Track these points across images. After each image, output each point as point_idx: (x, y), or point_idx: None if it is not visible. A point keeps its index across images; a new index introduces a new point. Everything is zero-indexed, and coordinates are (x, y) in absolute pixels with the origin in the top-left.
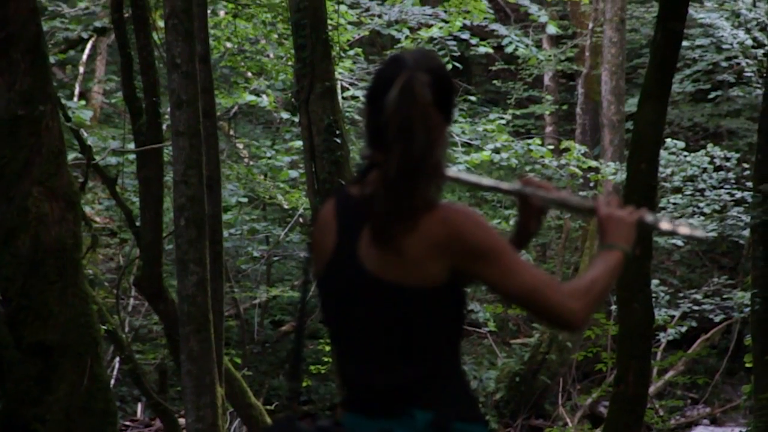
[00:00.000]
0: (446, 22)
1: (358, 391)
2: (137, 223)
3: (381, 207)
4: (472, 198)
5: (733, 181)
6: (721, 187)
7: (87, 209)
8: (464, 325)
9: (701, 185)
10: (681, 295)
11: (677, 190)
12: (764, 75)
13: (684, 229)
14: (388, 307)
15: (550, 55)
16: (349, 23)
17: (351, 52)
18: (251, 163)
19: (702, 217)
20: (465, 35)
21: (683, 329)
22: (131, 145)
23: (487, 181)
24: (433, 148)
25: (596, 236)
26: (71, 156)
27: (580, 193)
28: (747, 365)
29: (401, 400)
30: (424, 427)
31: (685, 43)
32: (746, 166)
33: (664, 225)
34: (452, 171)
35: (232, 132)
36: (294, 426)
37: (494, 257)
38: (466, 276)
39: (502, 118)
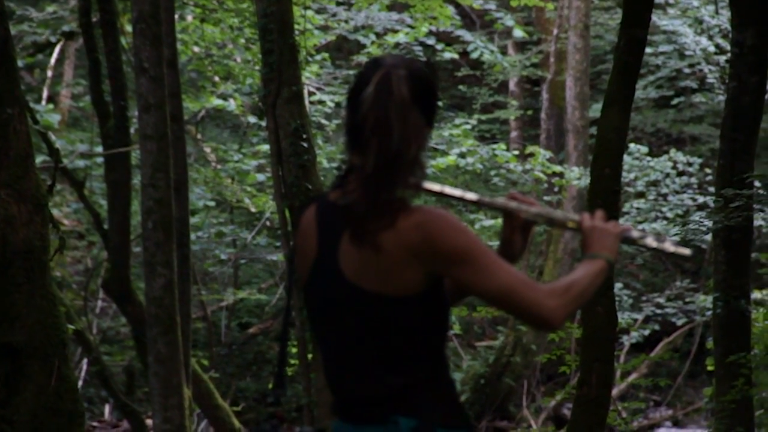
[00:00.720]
0: (412, 27)
1: (343, 398)
2: (105, 226)
3: (359, 203)
4: (437, 202)
5: (695, 186)
6: (684, 192)
7: (55, 212)
8: (448, 330)
9: (664, 190)
10: (644, 298)
11: (640, 195)
12: (726, 82)
13: (669, 246)
14: (368, 316)
15: (515, 61)
16: (316, 28)
17: (318, 57)
18: (218, 166)
19: (665, 222)
20: (431, 41)
21: (646, 332)
22: (99, 149)
23: (470, 195)
24: (409, 143)
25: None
26: (39, 159)
27: (545, 197)
28: (709, 368)
29: (385, 408)
30: None
31: (648, 50)
32: (708, 171)
33: (650, 241)
34: (436, 185)
35: (199, 136)
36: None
37: (470, 259)
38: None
39: (468, 123)
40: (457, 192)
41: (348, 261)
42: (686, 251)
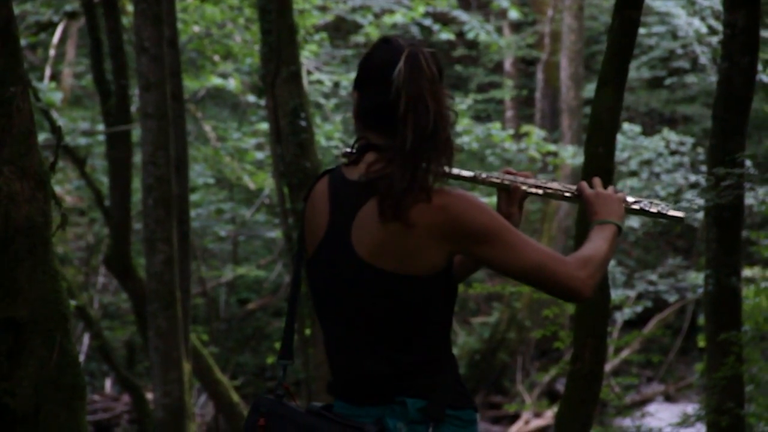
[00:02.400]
0: (409, 8)
1: (347, 378)
2: (106, 203)
3: (398, 183)
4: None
5: (687, 165)
6: (676, 171)
7: (57, 189)
8: (453, 310)
9: (657, 169)
10: (637, 275)
11: (633, 174)
12: (718, 62)
13: (664, 209)
14: (381, 295)
15: (510, 42)
16: (315, 8)
17: (316, 37)
18: (218, 145)
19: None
20: (427, 21)
21: (639, 309)
22: (101, 127)
23: (466, 172)
24: (444, 119)
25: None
26: (42, 137)
27: (539, 176)
28: (700, 345)
29: (392, 388)
30: (415, 414)
31: (641, 31)
32: (700, 150)
33: (644, 205)
34: None
35: (199, 114)
36: (282, 405)
37: (497, 238)
38: (467, 262)
39: (463, 103)
40: (453, 170)
41: (362, 239)
42: (680, 213)
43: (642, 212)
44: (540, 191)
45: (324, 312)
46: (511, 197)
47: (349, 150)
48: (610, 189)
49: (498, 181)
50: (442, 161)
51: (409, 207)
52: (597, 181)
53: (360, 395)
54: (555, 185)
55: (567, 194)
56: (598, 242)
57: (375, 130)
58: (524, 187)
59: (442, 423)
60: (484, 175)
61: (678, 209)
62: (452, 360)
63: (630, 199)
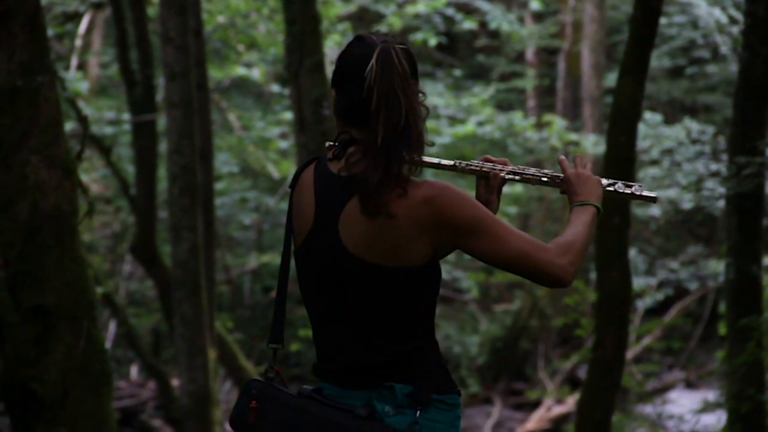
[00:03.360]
0: None
1: (337, 364)
2: (132, 191)
3: (370, 175)
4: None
5: (708, 153)
6: (697, 160)
7: (84, 177)
8: (437, 298)
9: (678, 158)
10: (658, 263)
11: (655, 163)
12: (739, 52)
13: (636, 191)
14: (369, 287)
15: (532, 31)
16: None
17: (339, 27)
18: (243, 134)
19: (679, 189)
20: (450, 11)
21: (660, 297)
22: (127, 116)
23: (446, 161)
24: (416, 114)
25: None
26: (69, 126)
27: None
28: (721, 332)
29: (380, 374)
30: (403, 399)
31: (662, 21)
32: (721, 139)
33: (619, 188)
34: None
35: (224, 104)
36: (273, 388)
37: (481, 229)
38: (450, 249)
39: (486, 92)
40: (433, 160)
41: (350, 233)
42: (653, 194)
43: (617, 194)
44: (517, 177)
45: (312, 302)
46: (489, 184)
47: (332, 143)
48: (588, 166)
49: (477, 169)
50: (414, 156)
51: (386, 201)
52: (579, 159)
53: (350, 381)
54: (533, 171)
55: (544, 179)
56: (578, 227)
57: (355, 126)
58: (503, 174)
59: (428, 407)
60: (463, 164)
61: (651, 190)
62: (435, 345)
63: (604, 181)
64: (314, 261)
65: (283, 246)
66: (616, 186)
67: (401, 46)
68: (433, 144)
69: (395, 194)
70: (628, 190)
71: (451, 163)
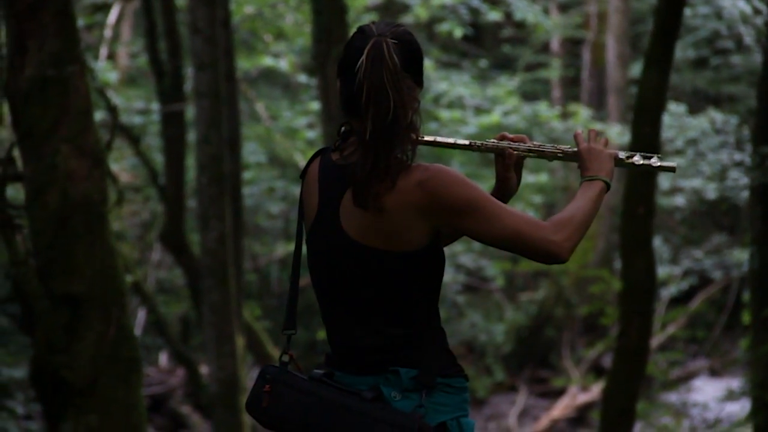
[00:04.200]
0: None
1: (344, 350)
2: (161, 181)
3: (360, 168)
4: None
5: (732, 144)
6: (722, 150)
7: (113, 167)
8: (441, 280)
9: (702, 148)
10: (682, 253)
11: (679, 153)
12: (763, 42)
13: (654, 162)
14: (371, 271)
15: (557, 22)
16: None
17: (366, 17)
18: (270, 124)
19: (703, 179)
20: (476, 2)
21: (684, 286)
22: (156, 106)
23: (462, 140)
24: (405, 108)
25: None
26: (98, 116)
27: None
28: (745, 321)
29: (385, 358)
30: (409, 383)
31: (687, 12)
32: (746, 130)
33: (637, 161)
34: (428, 136)
35: (252, 94)
36: (286, 373)
37: (475, 209)
38: (449, 232)
39: (511, 82)
40: (449, 139)
41: (350, 219)
42: (672, 164)
43: (635, 166)
44: (533, 154)
45: (319, 289)
46: (506, 162)
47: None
48: (602, 141)
49: (493, 147)
50: (404, 149)
51: (375, 194)
52: (593, 133)
53: (355, 366)
54: (548, 147)
55: (559, 154)
56: (580, 202)
57: (353, 117)
58: (516, 152)
59: (433, 390)
60: (479, 143)
61: (670, 161)
62: (441, 330)
63: (622, 154)
64: (319, 248)
65: (296, 235)
66: (633, 158)
67: (393, 41)
68: (422, 138)
69: (384, 187)
70: (645, 161)
71: (467, 142)
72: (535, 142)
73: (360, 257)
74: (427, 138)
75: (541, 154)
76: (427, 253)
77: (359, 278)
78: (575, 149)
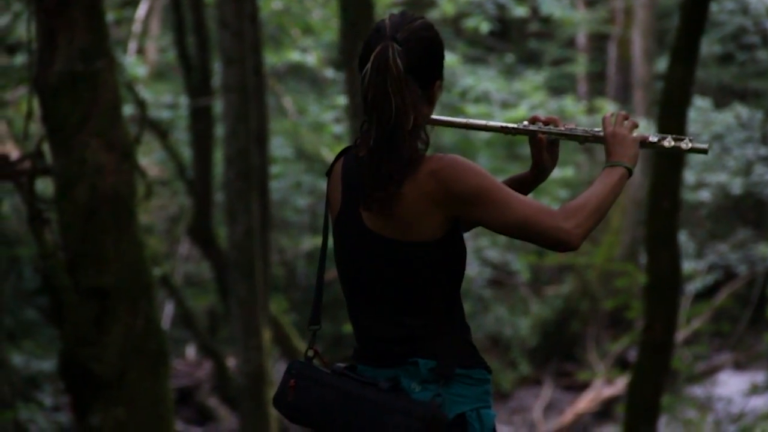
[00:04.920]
0: None
1: (366, 342)
2: (189, 174)
3: (366, 174)
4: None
5: (758, 138)
6: (747, 145)
7: (141, 160)
8: (463, 274)
9: (728, 143)
10: (708, 247)
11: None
12: None
13: (686, 144)
14: (390, 262)
15: (583, 17)
16: None
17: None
18: (298, 118)
19: (728, 174)
20: None
21: (709, 280)
22: (184, 100)
23: (494, 123)
24: (407, 115)
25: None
26: (127, 110)
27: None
28: None
29: (404, 349)
30: (427, 374)
31: (713, 7)
32: None
33: (667, 143)
34: (461, 118)
35: (280, 89)
36: (311, 367)
37: (486, 198)
38: (464, 221)
39: (538, 76)
40: (481, 122)
41: (369, 212)
42: (704, 145)
43: (665, 148)
44: (563, 137)
45: (344, 281)
46: (537, 145)
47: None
48: (628, 124)
49: (522, 130)
50: (411, 151)
51: (378, 200)
52: (620, 118)
53: (376, 359)
54: (579, 130)
55: (589, 137)
56: (597, 187)
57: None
58: (544, 135)
59: (452, 381)
60: (511, 126)
61: (702, 142)
62: (463, 323)
63: (653, 138)
64: (343, 241)
65: (322, 233)
66: (664, 140)
67: (399, 47)
68: (428, 142)
69: (388, 193)
70: (677, 144)
71: (499, 124)
72: (567, 124)
73: (379, 248)
74: (459, 120)
75: (570, 137)
76: (444, 243)
77: (379, 269)
78: (601, 133)
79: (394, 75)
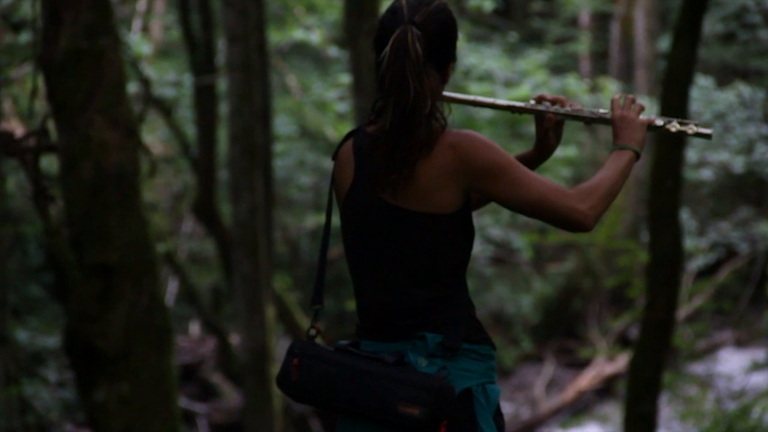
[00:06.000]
0: None
1: (372, 316)
2: (193, 152)
3: (380, 155)
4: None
5: (760, 117)
6: (749, 123)
7: (146, 138)
8: (470, 252)
9: (730, 121)
10: (709, 225)
11: (706, 126)
12: None
13: (691, 129)
14: (405, 232)
15: None
16: None
17: None
18: (302, 96)
19: (730, 152)
20: None
21: (711, 258)
22: (188, 78)
23: (501, 101)
24: (425, 99)
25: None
26: (131, 88)
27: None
28: None
29: (412, 322)
30: (435, 348)
31: None
32: None
33: (672, 127)
34: (469, 96)
35: (284, 67)
36: (313, 346)
37: (503, 173)
38: (477, 197)
39: (540, 56)
40: (488, 99)
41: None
42: (708, 130)
43: (669, 132)
44: (570, 117)
45: (353, 255)
46: (543, 125)
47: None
48: (636, 107)
49: (530, 109)
50: (426, 133)
51: (392, 182)
52: (628, 100)
53: (383, 332)
54: (585, 111)
55: (595, 118)
56: (608, 171)
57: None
58: (552, 115)
59: (458, 355)
60: (519, 105)
61: (706, 127)
62: (468, 299)
63: (659, 121)
64: (355, 213)
65: (325, 215)
66: (670, 125)
67: (419, 32)
68: (444, 125)
69: (402, 176)
70: (682, 128)
71: (506, 103)
72: (573, 103)
73: (394, 218)
74: (467, 97)
75: (577, 118)
76: (459, 216)
77: (392, 240)
78: (608, 115)
79: (413, 59)
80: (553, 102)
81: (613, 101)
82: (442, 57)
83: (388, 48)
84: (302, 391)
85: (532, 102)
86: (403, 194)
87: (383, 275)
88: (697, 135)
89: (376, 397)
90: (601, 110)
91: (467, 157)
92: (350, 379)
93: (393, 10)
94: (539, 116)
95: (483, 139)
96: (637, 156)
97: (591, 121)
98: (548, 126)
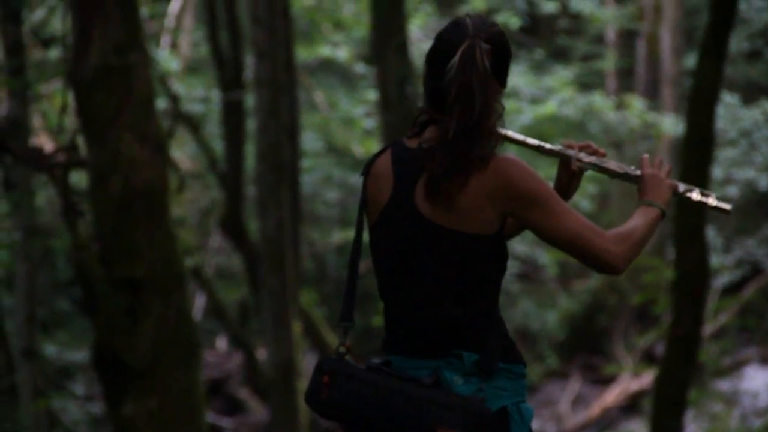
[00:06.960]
0: None
1: (405, 333)
2: (221, 168)
3: (438, 164)
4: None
5: None
6: None
7: (174, 154)
8: (504, 273)
9: (755, 138)
10: (735, 242)
11: (732, 143)
12: None
13: (711, 201)
14: (442, 250)
15: (613, 13)
16: None
17: (424, 8)
18: (329, 113)
19: (755, 170)
20: None
21: (737, 275)
22: (216, 95)
23: (531, 140)
24: (489, 113)
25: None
26: (160, 104)
27: (640, 145)
28: None
29: (447, 340)
30: (471, 367)
31: (741, 4)
32: None
33: (694, 195)
34: (502, 130)
35: (311, 83)
36: (343, 363)
37: (543, 203)
38: (512, 224)
39: (567, 72)
40: (519, 136)
41: (424, 201)
42: (727, 206)
43: (690, 201)
44: (595, 169)
45: (385, 272)
46: (568, 170)
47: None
48: (666, 169)
49: (560, 153)
50: (484, 149)
51: (446, 190)
52: (658, 161)
53: (416, 348)
54: (613, 164)
55: (622, 173)
56: (639, 222)
57: (438, 110)
58: (580, 164)
59: (495, 374)
60: (548, 147)
61: (725, 202)
62: (501, 319)
63: (682, 187)
64: (391, 230)
65: (355, 231)
66: (692, 193)
67: (487, 46)
68: (502, 140)
69: (458, 184)
70: (702, 198)
71: (536, 143)
72: (600, 151)
73: (432, 236)
74: (501, 132)
75: (604, 171)
76: (495, 239)
77: (430, 256)
78: (638, 173)
79: (480, 73)
80: (581, 148)
81: (643, 159)
82: (502, 77)
83: (456, 59)
84: (332, 410)
85: (560, 146)
86: (443, 212)
87: (420, 291)
88: (716, 209)
89: (414, 418)
90: (631, 167)
91: (509, 182)
92: (385, 399)
93: (457, 24)
94: (564, 162)
95: (525, 166)
96: (663, 215)
97: (617, 176)
98: (573, 174)
